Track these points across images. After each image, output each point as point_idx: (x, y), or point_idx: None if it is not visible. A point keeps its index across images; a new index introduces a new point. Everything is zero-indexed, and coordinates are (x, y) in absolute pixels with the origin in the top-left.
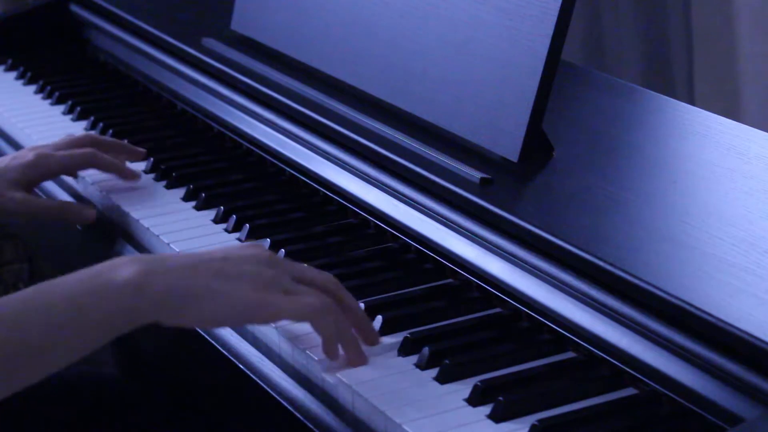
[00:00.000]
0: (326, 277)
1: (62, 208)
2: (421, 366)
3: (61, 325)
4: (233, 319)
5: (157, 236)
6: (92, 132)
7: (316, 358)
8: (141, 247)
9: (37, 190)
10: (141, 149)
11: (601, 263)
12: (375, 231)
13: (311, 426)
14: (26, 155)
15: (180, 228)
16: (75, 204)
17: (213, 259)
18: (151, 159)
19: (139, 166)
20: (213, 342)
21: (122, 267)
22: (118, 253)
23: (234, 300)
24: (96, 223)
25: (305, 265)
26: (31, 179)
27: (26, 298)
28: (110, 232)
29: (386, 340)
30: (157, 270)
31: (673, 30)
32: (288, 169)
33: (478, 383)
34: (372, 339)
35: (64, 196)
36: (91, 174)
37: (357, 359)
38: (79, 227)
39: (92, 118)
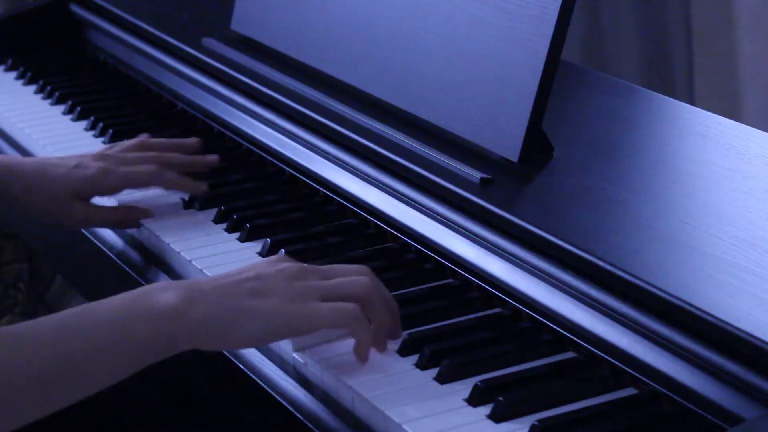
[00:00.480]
0: (359, 269)
1: (124, 217)
2: (421, 366)
3: (103, 348)
4: (273, 334)
5: (157, 236)
6: (154, 139)
7: (317, 358)
8: (141, 248)
9: None
10: (213, 157)
11: (601, 263)
12: (375, 231)
13: (311, 426)
14: (90, 167)
15: (180, 228)
16: (129, 209)
17: (245, 279)
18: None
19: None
20: None
21: (162, 293)
22: (118, 253)
23: (270, 316)
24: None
25: (335, 266)
26: (90, 193)
27: (67, 319)
28: (108, 232)
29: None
30: (194, 296)
31: (673, 30)
32: (288, 169)
33: (478, 383)
34: (396, 334)
35: None
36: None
37: (380, 348)
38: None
39: (92, 118)
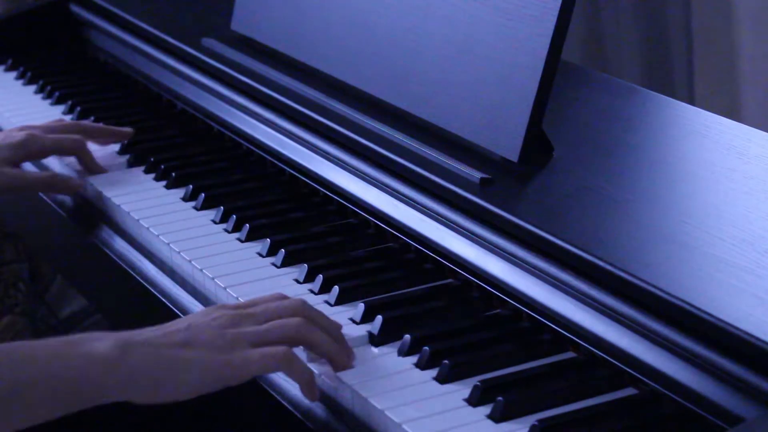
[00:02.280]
0: (292, 307)
1: (51, 179)
2: (421, 366)
3: (29, 386)
4: (207, 386)
5: (157, 236)
6: (83, 121)
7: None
8: (141, 248)
9: None
10: (128, 129)
11: (601, 263)
12: (375, 231)
13: (311, 426)
14: (16, 135)
15: (180, 228)
16: (62, 175)
17: (178, 330)
18: (151, 159)
19: (139, 167)
20: None
21: (98, 341)
22: (117, 254)
23: (201, 368)
24: (95, 224)
25: (269, 297)
26: (19, 158)
27: (4, 351)
28: (109, 232)
29: (386, 340)
30: (127, 348)
31: (673, 30)
32: (288, 169)
33: (478, 383)
34: (348, 357)
35: (61, 195)
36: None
37: (346, 363)
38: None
39: (92, 118)
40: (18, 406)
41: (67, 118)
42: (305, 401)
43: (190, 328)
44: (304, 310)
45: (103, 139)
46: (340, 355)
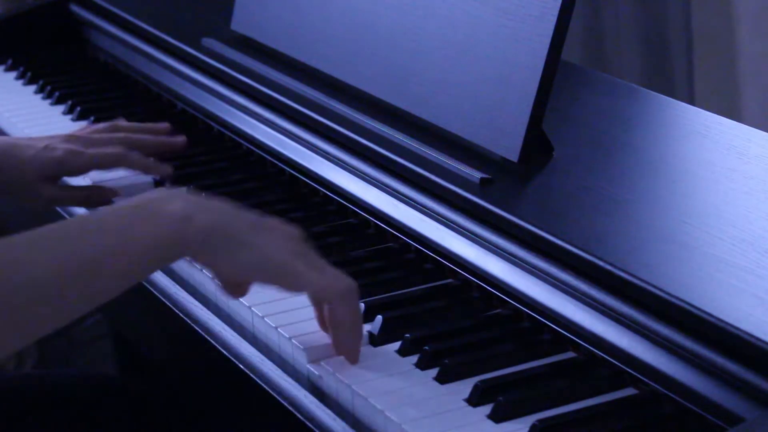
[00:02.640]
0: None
1: (88, 194)
2: (421, 366)
3: (113, 249)
4: (262, 275)
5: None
6: (126, 123)
7: (317, 358)
8: None
9: None
10: (180, 138)
11: (601, 263)
12: (375, 231)
13: (311, 426)
14: (58, 148)
15: None
16: (96, 187)
17: (251, 214)
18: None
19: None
20: (213, 342)
21: (169, 199)
22: None
23: (268, 257)
24: None
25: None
26: (59, 175)
27: (77, 221)
28: None
29: (386, 340)
30: (201, 206)
31: (673, 30)
32: (288, 169)
33: (478, 383)
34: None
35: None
36: (92, 175)
37: (352, 355)
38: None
39: (92, 118)
40: (105, 271)
41: (67, 118)
42: (306, 402)
43: (265, 218)
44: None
45: (154, 149)
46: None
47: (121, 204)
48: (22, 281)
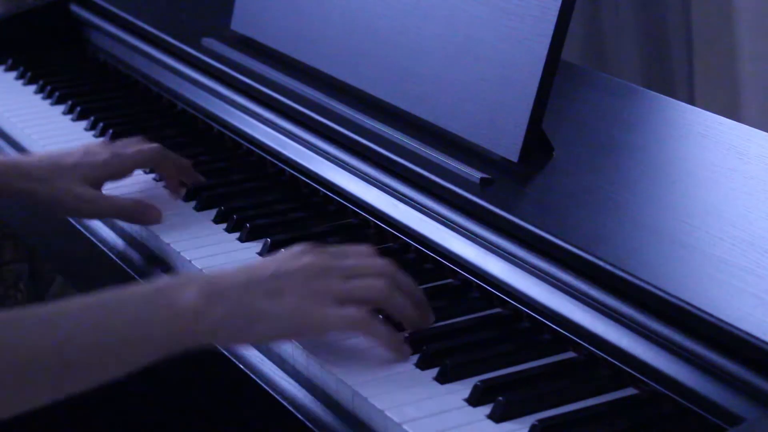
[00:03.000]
0: (381, 268)
1: (132, 208)
2: (421, 366)
3: (121, 340)
4: (285, 336)
5: (156, 236)
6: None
7: (317, 358)
8: (141, 247)
9: None
10: (200, 177)
11: (601, 263)
12: (375, 231)
13: (311, 426)
14: (99, 152)
15: (180, 228)
16: (143, 204)
17: (264, 277)
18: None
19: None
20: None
21: (184, 288)
22: (117, 254)
23: (284, 318)
24: (94, 225)
25: (361, 250)
26: (101, 178)
27: (87, 307)
28: (108, 233)
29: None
30: (213, 296)
31: (673, 30)
32: (288, 169)
33: (478, 383)
34: (425, 321)
35: None
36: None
37: (398, 354)
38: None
39: (92, 118)
40: (112, 357)
41: (67, 118)
42: (306, 402)
43: (277, 275)
44: (392, 272)
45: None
46: (416, 323)
47: (132, 290)
48: (21, 362)
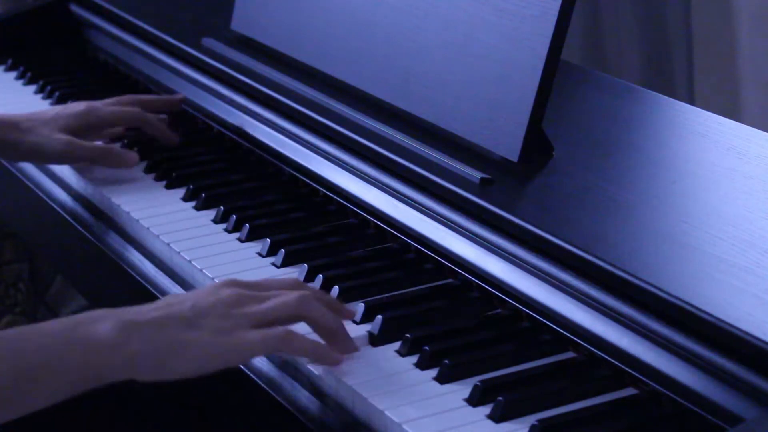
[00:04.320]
0: (290, 284)
1: (105, 151)
2: (421, 366)
3: (35, 373)
4: (209, 367)
5: (157, 236)
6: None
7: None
8: (141, 247)
9: (33, 186)
10: (178, 97)
11: (601, 263)
12: (375, 231)
13: (311, 426)
14: (77, 106)
15: (180, 228)
16: (117, 148)
17: (182, 311)
18: (151, 158)
19: (139, 166)
20: None
21: (99, 323)
22: (117, 254)
23: (202, 349)
24: (94, 224)
25: (269, 284)
26: (79, 127)
27: (2, 341)
28: (108, 232)
29: (386, 340)
30: (129, 330)
31: (673, 30)
32: (288, 169)
33: (478, 383)
34: (346, 315)
35: (63, 196)
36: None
37: (345, 348)
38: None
39: None
40: (25, 391)
41: None
42: (306, 402)
43: (195, 308)
44: (298, 285)
45: (157, 109)
46: (337, 334)
47: (48, 325)
48: None
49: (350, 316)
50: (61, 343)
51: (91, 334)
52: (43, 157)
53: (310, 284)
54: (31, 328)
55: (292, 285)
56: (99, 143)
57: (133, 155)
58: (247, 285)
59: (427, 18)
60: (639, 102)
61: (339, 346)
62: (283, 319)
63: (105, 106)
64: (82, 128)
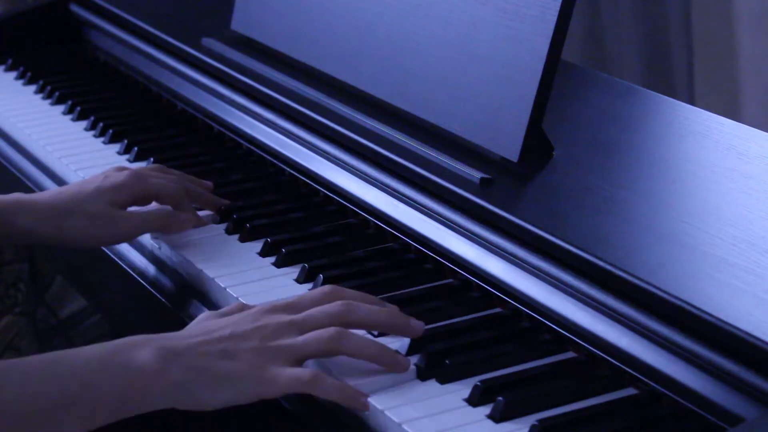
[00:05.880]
0: (333, 312)
1: (167, 219)
2: (421, 366)
3: (74, 399)
4: (240, 399)
5: (156, 236)
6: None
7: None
8: (141, 248)
9: (33, 186)
10: (225, 201)
11: (601, 263)
12: (375, 231)
13: (310, 426)
14: (119, 175)
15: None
16: (173, 213)
17: (220, 338)
18: (152, 159)
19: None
20: None
21: (139, 350)
22: (117, 254)
23: (236, 382)
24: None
25: (315, 296)
26: (124, 201)
27: (42, 365)
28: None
29: (386, 340)
30: (169, 358)
31: (673, 30)
32: (288, 169)
33: (478, 383)
34: (410, 331)
35: None
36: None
37: (396, 368)
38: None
39: (92, 118)
40: (61, 417)
41: (67, 118)
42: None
43: (232, 337)
44: (343, 316)
45: (199, 203)
46: (382, 358)
47: (87, 350)
48: None
49: (413, 332)
50: (100, 370)
51: (130, 362)
52: (99, 243)
53: (309, 285)
54: (68, 353)
55: (327, 295)
56: (155, 211)
57: (191, 217)
58: (284, 308)
59: (427, 18)
60: (639, 102)
61: (390, 368)
62: (319, 355)
63: (151, 175)
64: (128, 202)
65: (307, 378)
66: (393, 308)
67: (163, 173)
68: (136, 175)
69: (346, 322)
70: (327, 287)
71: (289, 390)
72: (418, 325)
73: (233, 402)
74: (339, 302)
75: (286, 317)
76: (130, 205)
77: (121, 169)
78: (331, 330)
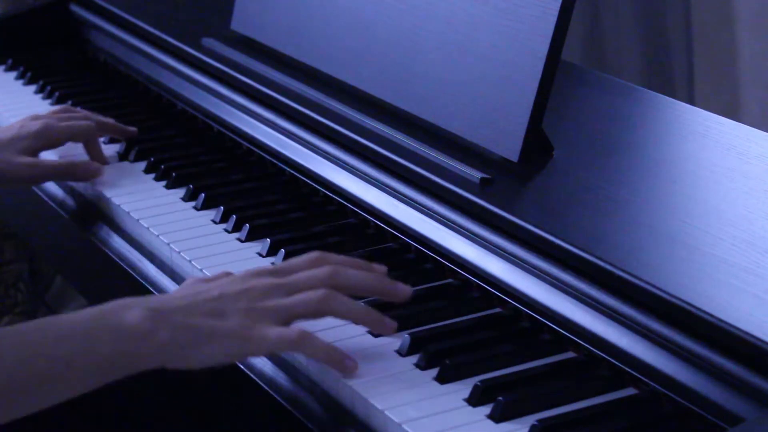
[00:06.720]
0: (322, 275)
1: (71, 167)
2: (421, 366)
3: (65, 362)
4: (229, 357)
5: (157, 236)
6: (90, 113)
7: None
8: (141, 248)
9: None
10: (132, 128)
11: (601, 263)
12: (375, 231)
13: (310, 426)
14: (32, 125)
15: (180, 228)
16: (81, 161)
17: (208, 299)
18: (152, 158)
19: (139, 166)
20: None
21: (128, 311)
22: (117, 254)
23: (224, 340)
24: (95, 224)
25: (303, 261)
26: (38, 148)
27: (35, 329)
28: (108, 232)
29: (386, 340)
30: (159, 318)
31: (673, 30)
32: (288, 169)
33: (478, 383)
34: (396, 295)
35: (63, 196)
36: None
37: (383, 329)
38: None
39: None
40: (56, 381)
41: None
42: (306, 402)
43: (221, 297)
44: (331, 279)
45: (108, 134)
46: (369, 318)
47: (80, 313)
48: None
49: (399, 295)
50: (91, 332)
51: (121, 322)
52: (9, 181)
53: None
54: (58, 318)
55: (314, 261)
56: (61, 161)
57: (98, 165)
58: (271, 271)
59: (427, 18)
60: (639, 102)
61: (376, 328)
62: (308, 315)
63: (60, 121)
64: (41, 148)
65: (295, 336)
66: (381, 271)
67: (71, 113)
68: (48, 124)
69: (333, 285)
70: (314, 253)
71: (277, 348)
72: (406, 289)
73: (221, 360)
74: (327, 267)
75: (274, 280)
76: (46, 149)
77: (36, 118)
78: (320, 291)
